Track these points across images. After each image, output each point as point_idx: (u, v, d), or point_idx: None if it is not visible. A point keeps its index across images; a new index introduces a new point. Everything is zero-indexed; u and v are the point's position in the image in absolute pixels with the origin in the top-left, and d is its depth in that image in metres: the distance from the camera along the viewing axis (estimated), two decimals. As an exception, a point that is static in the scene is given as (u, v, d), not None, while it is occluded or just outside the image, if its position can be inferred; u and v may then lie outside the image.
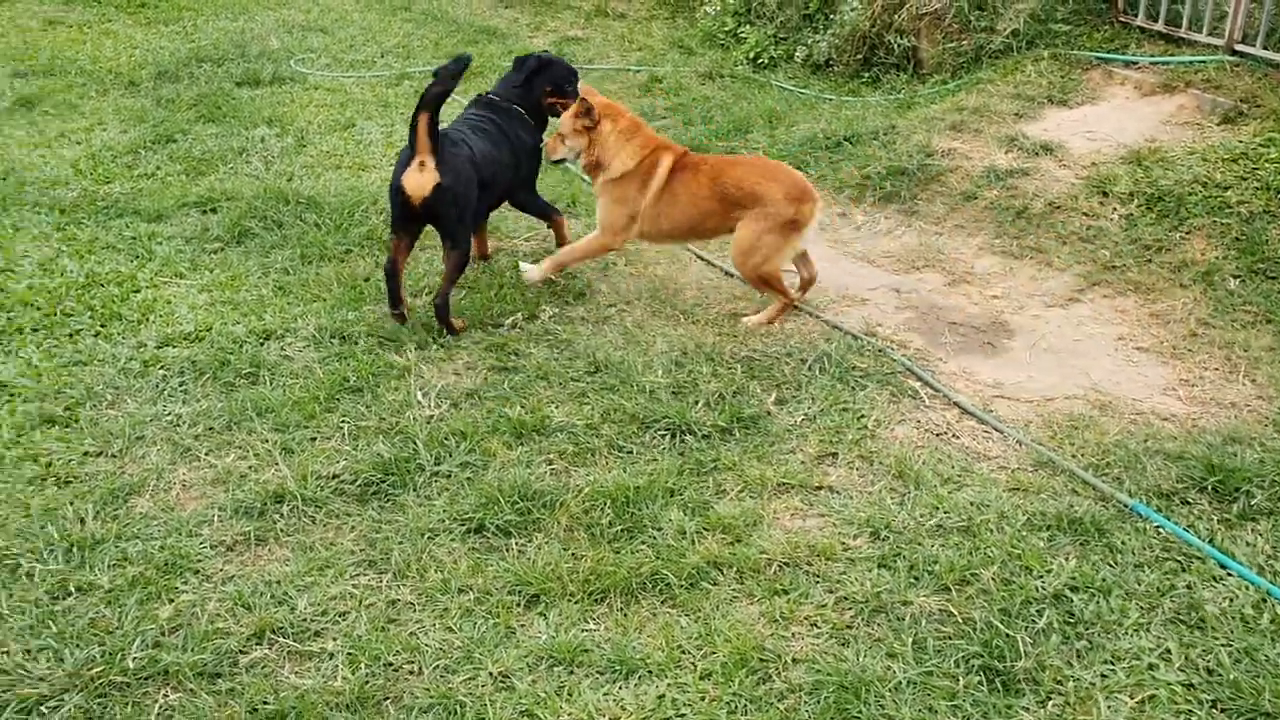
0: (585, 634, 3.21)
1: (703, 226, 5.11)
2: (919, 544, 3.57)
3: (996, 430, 4.24)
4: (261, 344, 4.80)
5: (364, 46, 9.93)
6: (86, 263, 5.50)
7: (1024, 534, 3.61)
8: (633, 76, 9.11)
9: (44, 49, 9.57)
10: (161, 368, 4.59)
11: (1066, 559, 3.47)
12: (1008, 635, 3.18)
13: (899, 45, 8.31)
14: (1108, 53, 7.29)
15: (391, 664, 3.11)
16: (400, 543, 3.58)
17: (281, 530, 3.65)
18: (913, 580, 3.43)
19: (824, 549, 3.54)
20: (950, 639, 3.19)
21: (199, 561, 3.48)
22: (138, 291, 5.25)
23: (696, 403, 4.32)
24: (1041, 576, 3.40)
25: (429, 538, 3.60)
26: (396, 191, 4.76)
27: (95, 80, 8.69)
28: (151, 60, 9.18)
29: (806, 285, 5.20)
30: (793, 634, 3.23)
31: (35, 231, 5.87)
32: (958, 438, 4.22)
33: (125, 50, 9.59)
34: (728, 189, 4.96)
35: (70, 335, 4.84)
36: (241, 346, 4.75)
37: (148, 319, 4.99)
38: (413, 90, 8.66)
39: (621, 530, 3.62)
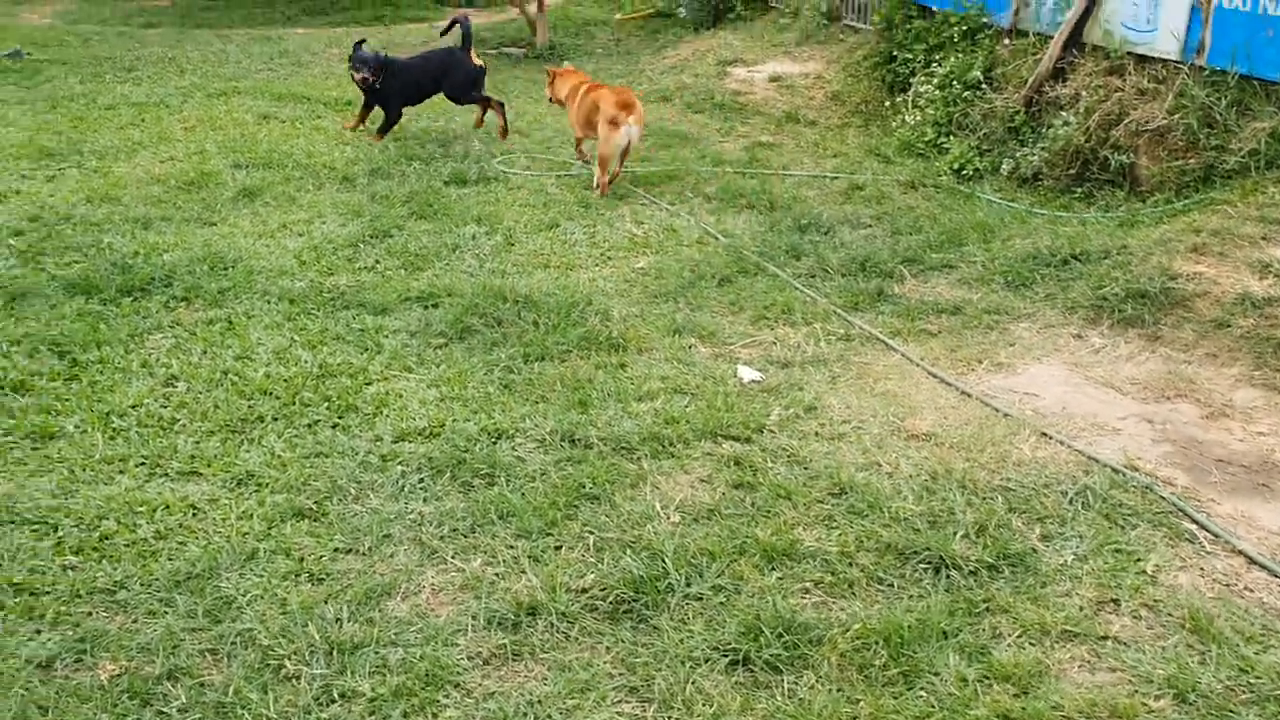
0: (873, 789, 2.97)
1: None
2: (1232, 712, 3.22)
3: (1294, 585, 3.87)
4: (494, 443, 4.75)
5: (560, 149, 10.10)
6: (319, 353, 5.59)
7: (1351, 709, 3.23)
8: (830, 184, 9.01)
9: (260, 142, 10.00)
10: (400, 463, 4.57)
11: None
12: (1358, 830, 2.82)
13: (1115, 161, 8.03)
14: (1359, 176, 6.87)
15: (669, 806, 2.91)
16: (660, 669, 3.40)
17: (537, 645, 3.51)
18: (1231, 754, 3.09)
19: (1125, 710, 3.23)
20: (1288, 828, 2.85)
21: (458, 674, 3.37)
22: (370, 384, 5.29)
23: (955, 534, 4.07)
24: (1385, 762, 3.03)
25: (691, 667, 3.41)
26: None
27: (311, 174, 9.01)
28: (363, 157, 9.49)
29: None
30: (1105, 807, 2.92)
31: (267, 320, 6.00)
32: (1251, 591, 3.85)
33: (336, 146, 9.95)
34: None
35: (309, 426, 4.88)
36: (475, 445, 4.71)
37: (381, 412, 5.01)
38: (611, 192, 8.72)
39: (898, 674, 3.37)
